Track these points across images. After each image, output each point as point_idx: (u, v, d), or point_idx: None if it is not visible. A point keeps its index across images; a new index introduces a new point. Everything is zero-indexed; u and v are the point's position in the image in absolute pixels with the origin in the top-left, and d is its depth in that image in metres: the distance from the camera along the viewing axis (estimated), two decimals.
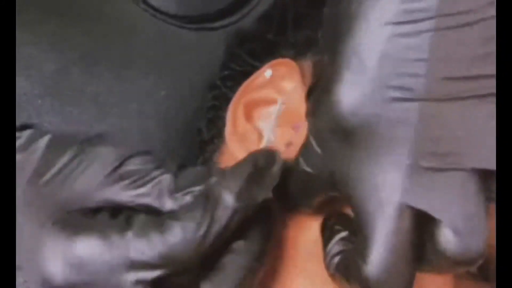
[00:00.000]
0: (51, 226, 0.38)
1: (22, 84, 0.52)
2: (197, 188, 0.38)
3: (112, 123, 0.54)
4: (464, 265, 0.35)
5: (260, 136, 0.46)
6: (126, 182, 0.38)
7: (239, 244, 0.38)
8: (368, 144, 0.35)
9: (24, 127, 0.41)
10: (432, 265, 0.35)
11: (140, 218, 0.37)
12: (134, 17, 0.55)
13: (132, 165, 0.39)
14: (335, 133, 0.36)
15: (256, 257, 0.38)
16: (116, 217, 0.38)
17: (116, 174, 0.39)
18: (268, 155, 0.39)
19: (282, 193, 0.40)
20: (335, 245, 0.39)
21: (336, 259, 0.38)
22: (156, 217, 0.37)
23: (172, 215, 0.37)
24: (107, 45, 0.54)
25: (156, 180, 0.38)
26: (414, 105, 0.34)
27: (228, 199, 0.37)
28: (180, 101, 0.55)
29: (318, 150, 0.37)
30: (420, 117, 0.34)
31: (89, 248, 0.37)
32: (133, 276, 0.36)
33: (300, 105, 0.45)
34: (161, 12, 0.55)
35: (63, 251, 0.37)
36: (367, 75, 0.35)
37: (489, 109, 0.34)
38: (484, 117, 0.34)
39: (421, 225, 0.35)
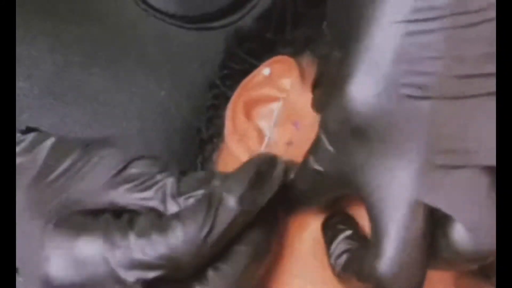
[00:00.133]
0: (53, 226, 0.38)
1: (22, 84, 0.52)
2: (200, 192, 0.38)
3: (112, 123, 0.54)
4: (476, 262, 0.35)
5: (259, 134, 0.46)
6: (130, 185, 0.38)
7: (242, 240, 0.38)
8: (381, 141, 0.35)
9: (28, 130, 0.41)
10: (444, 262, 0.36)
11: (143, 219, 0.37)
12: (133, 17, 0.55)
13: (137, 168, 0.39)
14: (348, 131, 0.36)
15: (259, 250, 0.38)
16: (119, 218, 0.38)
17: (120, 177, 0.39)
18: (270, 160, 0.39)
19: (284, 192, 0.40)
20: (339, 244, 0.39)
21: (342, 258, 0.39)
22: (159, 218, 0.37)
23: (174, 216, 0.37)
24: (107, 45, 0.54)
25: (160, 184, 0.38)
26: (427, 102, 0.34)
27: (231, 202, 0.37)
28: (179, 100, 0.55)
29: (330, 148, 0.37)
30: (433, 114, 0.34)
31: (90, 248, 0.37)
32: (133, 275, 0.36)
33: (299, 102, 0.45)
34: (161, 12, 0.55)
35: (64, 251, 0.37)
36: (380, 73, 0.35)
37: None
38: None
39: (434, 222, 0.35)
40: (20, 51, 0.51)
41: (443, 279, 0.41)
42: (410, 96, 0.35)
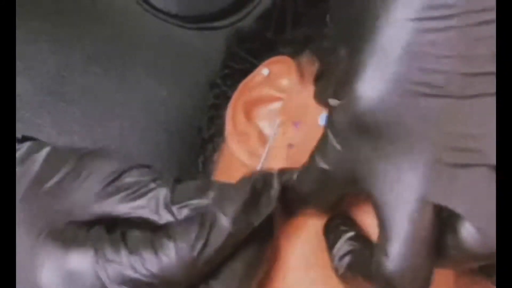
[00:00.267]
0: (45, 236, 0.37)
1: (22, 84, 0.52)
2: (194, 202, 0.38)
3: (114, 123, 0.54)
4: (484, 260, 0.35)
5: (259, 134, 0.46)
6: (123, 194, 0.38)
7: (235, 257, 0.38)
8: (390, 139, 0.35)
9: (24, 139, 0.41)
10: (452, 260, 0.36)
11: (135, 235, 0.37)
12: (135, 17, 0.55)
13: (130, 178, 0.38)
14: (356, 129, 0.36)
15: (252, 267, 0.38)
16: (112, 231, 0.37)
17: (113, 187, 0.38)
18: (266, 179, 0.38)
19: (285, 194, 0.39)
20: (343, 246, 0.39)
21: (346, 259, 0.38)
22: (151, 234, 0.37)
23: (167, 233, 0.37)
24: (108, 45, 0.54)
25: (153, 192, 0.38)
26: (437, 101, 0.34)
27: (224, 222, 0.36)
28: (181, 100, 0.55)
29: (338, 146, 0.37)
30: (443, 113, 0.34)
31: (81, 261, 0.36)
32: None
33: (299, 102, 0.45)
34: (163, 12, 0.56)
35: (56, 264, 0.37)
36: (390, 71, 0.35)
37: None
38: None
39: (442, 220, 0.35)
40: (21, 51, 0.51)
41: (443, 277, 0.41)
42: (420, 94, 0.34)
